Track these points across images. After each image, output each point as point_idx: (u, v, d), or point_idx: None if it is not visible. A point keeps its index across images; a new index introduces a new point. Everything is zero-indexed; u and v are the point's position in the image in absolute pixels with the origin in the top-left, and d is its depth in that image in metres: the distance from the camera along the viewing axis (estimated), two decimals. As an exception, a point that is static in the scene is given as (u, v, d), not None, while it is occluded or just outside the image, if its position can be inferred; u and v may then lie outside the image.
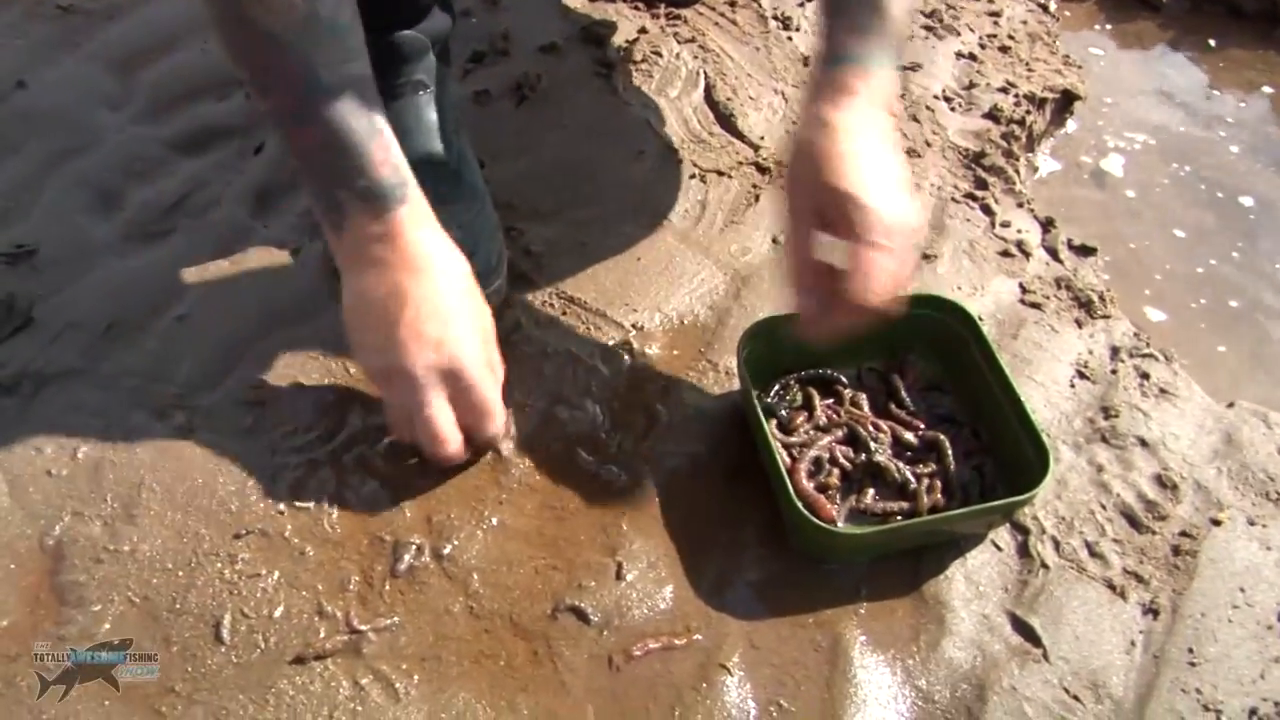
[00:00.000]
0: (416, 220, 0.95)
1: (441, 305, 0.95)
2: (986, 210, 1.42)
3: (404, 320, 0.93)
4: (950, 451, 1.10)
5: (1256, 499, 1.16)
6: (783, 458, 1.07)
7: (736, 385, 1.17)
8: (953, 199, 1.42)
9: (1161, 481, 1.16)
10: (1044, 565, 1.07)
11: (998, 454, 1.12)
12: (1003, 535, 1.09)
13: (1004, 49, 1.70)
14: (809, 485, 1.06)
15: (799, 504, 0.99)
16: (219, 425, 1.09)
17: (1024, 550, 1.08)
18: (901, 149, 1.48)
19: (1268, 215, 1.56)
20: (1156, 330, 1.36)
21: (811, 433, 1.12)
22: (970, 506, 1.05)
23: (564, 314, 1.22)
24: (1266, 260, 1.50)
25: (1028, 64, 1.68)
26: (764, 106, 1.52)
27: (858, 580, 1.04)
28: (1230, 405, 1.26)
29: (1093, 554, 1.09)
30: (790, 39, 1.65)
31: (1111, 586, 1.07)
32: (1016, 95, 1.61)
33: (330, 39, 0.88)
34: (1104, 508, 1.13)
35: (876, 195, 0.93)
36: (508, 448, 1.11)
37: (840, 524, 1.05)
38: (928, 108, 1.56)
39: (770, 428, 1.09)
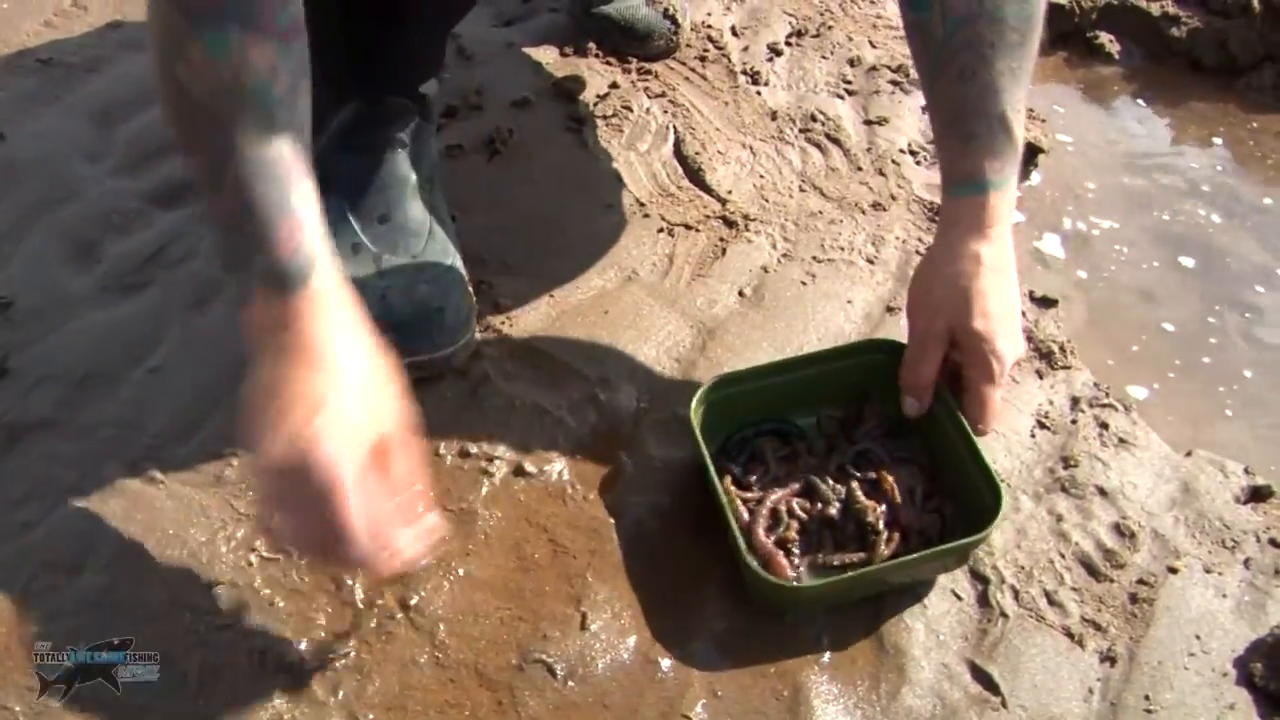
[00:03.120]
0: (317, 308, 0.85)
1: (313, 399, 0.82)
2: (950, 263, 1.44)
3: (270, 410, 0.82)
4: (896, 488, 1.11)
5: (1213, 547, 1.18)
6: (739, 514, 1.08)
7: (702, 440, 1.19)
8: (916, 251, 1.45)
9: (1120, 530, 1.17)
10: (1003, 614, 1.09)
11: (956, 498, 1.13)
12: (963, 584, 1.11)
13: (969, 103, 1.73)
14: (767, 541, 1.07)
15: (753, 562, 1.01)
16: (191, 476, 1.10)
17: (984, 599, 1.10)
18: (868, 202, 1.51)
19: (1227, 266, 1.58)
20: (1116, 379, 1.38)
21: (768, 487, 1.13)
22: (925, 550, 1.06)
23: (532, 367, 1.24)
24: (1226, 311, 1.53)
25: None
26: (732, 161, 1.55)
27: (819, 630, 1.05)
28: (1188, 454, 1.28)
29: (1051, 602, 1.10)
30: (759, 94, 1.68)
31: (1070, 635, 1.08)
32: (980, 149, 1.63)
33: (255, 111, 0.83)
34: (1063, 556, 1.14)
35: (1007, 343, 1.04)
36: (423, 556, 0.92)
37: (803, 577, 1.07)
38: (894, 161, 1.59)
39: (725, 484, 1.10)
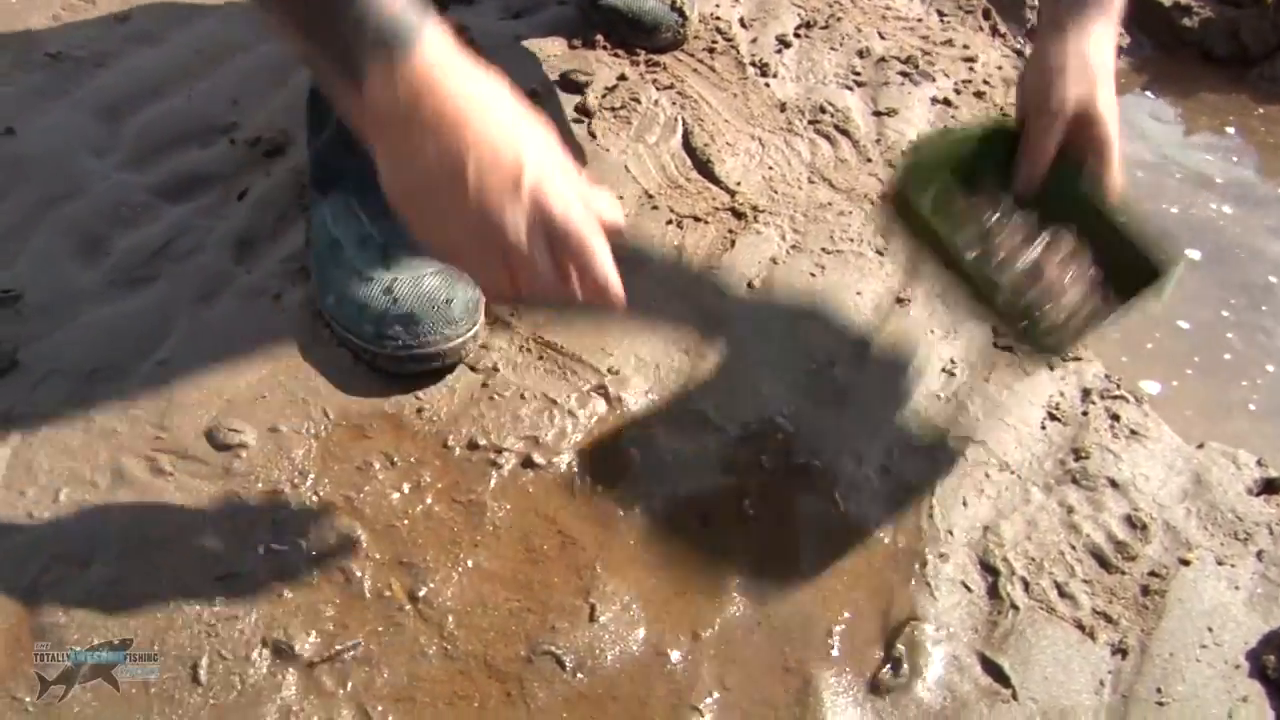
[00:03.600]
0: (441, 55, 0.78)
1: (503, 147, 0.77)
2: (960, 254, 1.44)
3: (467, 179, 0.76)
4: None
5: (1225, 539, 1.18)
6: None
7: (710, 432, 1.19)
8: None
9: (1131, 522, 1.17)
10: (1014, 606, 1.09)
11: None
12: (973, 576, 1.11)
13: (979, 94, 1.73)
14: None
15: None
16: (198, 469, 1.10)
17: (994, 591, 1.10)
18: (876, 194, 1.51)
19: (1245, 260, 1.58)
20: (1129, 373, 1.38)
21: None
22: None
23: (541, 358, 1.24)
24: (1241, 304, 1.52)
25: (1002, 109, 1.71)
26: (741, 153, 1.55)
27: (830, 622, 1.05)
28: (1200, 446, 1.27)
29: (1063, 594, 1.10)
30: (768, 85, 1.68)
31: (1081, 627, 1.08)
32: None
33: None
34: (1074, 548, 1.14)
35: (1114, 116, 1.11)
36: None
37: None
38: (903, 152, 1.58)
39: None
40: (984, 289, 1.07)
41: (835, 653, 1.04)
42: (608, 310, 0.86)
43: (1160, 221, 1.62)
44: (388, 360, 1.20)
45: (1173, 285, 1.07)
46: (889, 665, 1.03)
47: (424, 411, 1.18)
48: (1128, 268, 1.09)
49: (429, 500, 1.11)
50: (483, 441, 1.16)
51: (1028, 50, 1.89)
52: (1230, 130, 1.82)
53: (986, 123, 1.22)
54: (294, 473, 1.11)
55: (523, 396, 1.21)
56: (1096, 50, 1.10)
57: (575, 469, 1.16)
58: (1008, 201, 1.14)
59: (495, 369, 1.23)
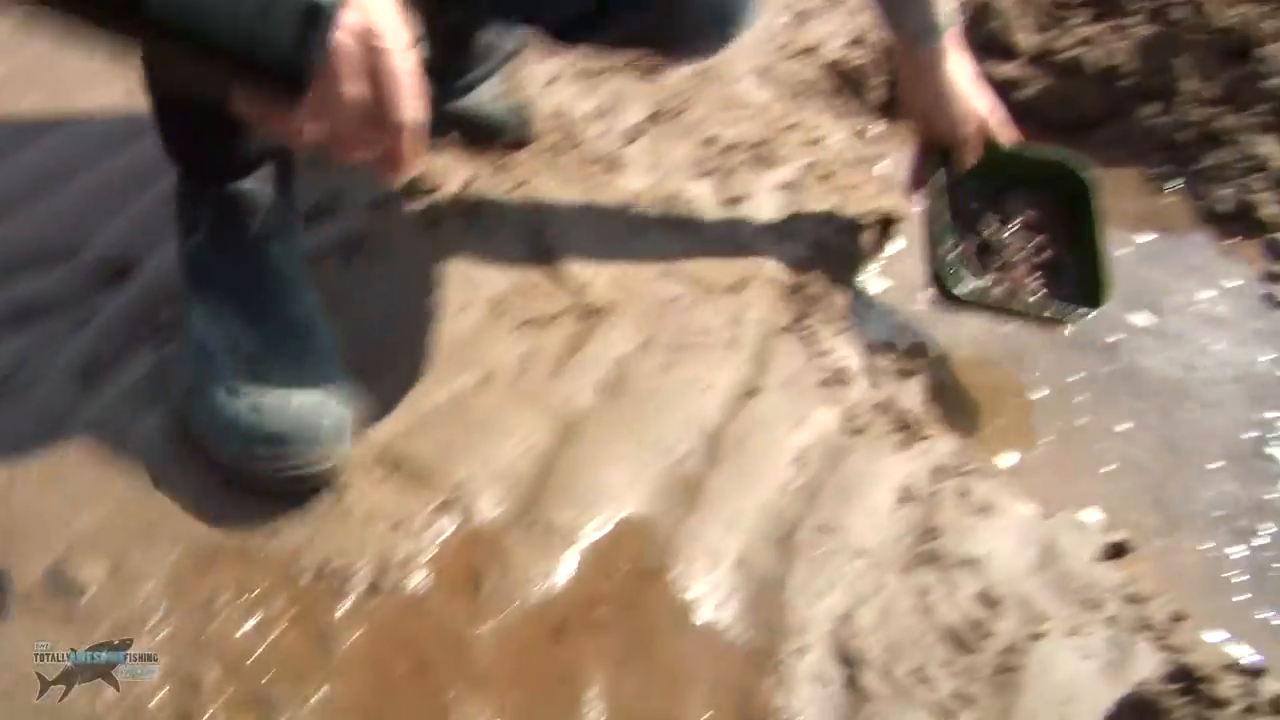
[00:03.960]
0: None
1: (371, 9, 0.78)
2: (807, 341, 1.47)
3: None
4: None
5: (1076, 608, 1.21)
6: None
7: (561, 541, 1.20)
8: (775, 331, 1.47)
9: (985, 599, 1.20)
10: (872, 696, 1.10)
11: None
12: (830, 669, 1.12)
13: (824, 176, 1.77)
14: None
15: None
16: (41, 612, 1.08)
17: (852, 682, 1.11)
18: (727, 283, 1.54)
19: (1091, 322, 1.63)
20: (982, 446, 1.42)
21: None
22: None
23: (389, 477, 1.24)
24: (1095, 366, 1.57)
25: (848, 190, 1.75)
26: (590, 249, 1.56)
27: (686, 728, 1.06)
28: (1050, 516, 1.31)
29: (921, 679, 1.12)
30: (616, 179, 1.70)
31: (940, 710, 1.10)
32: (837, 222, 1.68)
33: None
34: (931, 631, 1.16)
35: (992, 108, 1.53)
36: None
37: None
38: (751, 240, 1.62)
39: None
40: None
41: (695, 759, 1.04)
42: (397, 171, 0.85)
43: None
44: (251, 479, 1.18)
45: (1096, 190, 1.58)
46: (748, 768, 1.04)
47: (274, 538, 1.17)
48: (1055, 180, 1.62)
49: (279, 631, 1.09)
50: (330, 567, 1.15)
51: (870, 130, 1.95)
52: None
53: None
54: (141, 611, 1.09)
55: (371, 516, 1.20)
56: (963, 76, 1.49)
57: (428, 589, 1.15)
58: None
59: (344, 490, 1.22)
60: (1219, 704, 1.11)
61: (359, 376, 1.32)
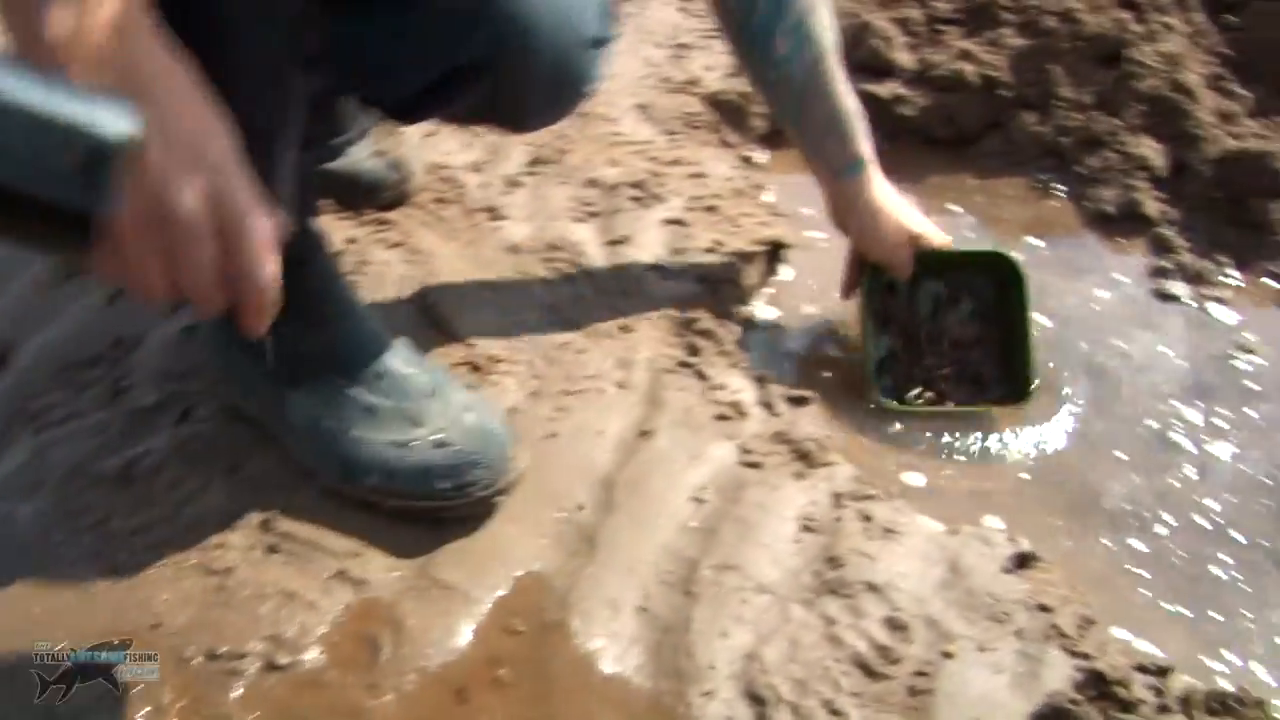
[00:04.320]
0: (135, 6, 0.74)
1: (191, 120, 0.75)
2: (700, 376, 1.47)
3: (149, 146, 0.70)
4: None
5: (984, 623, 1.21)
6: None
7: (458, 602, 1.18)
8: (666, 370, 1.47)
9: (892, 624, 1.20)
10: (783, 734, 1.09)
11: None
12: (740, 710, 1.11)
13: (710, 209, 1.78)
14: None
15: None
16: None
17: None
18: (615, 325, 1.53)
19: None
20: (886, 468, 1.42)
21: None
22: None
23: (276, 550, 1.22)
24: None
25: (734, 220, 1.76)
26: (475, 302, 1.56)
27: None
28: (954, 532, 1.31)
29: (832, 712, 1.11)
30: (499, 229, 1.70)
31: (853, 740, 1.09)
32: (724, 254, 1.68)
33: None
34: (838, 661, 1.16)
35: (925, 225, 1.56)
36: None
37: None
38: (637, 279, 1.62)
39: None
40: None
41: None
42: (258, 315, 0.79)
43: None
44: (470, 506, 1.24)
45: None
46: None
47: (159, 626, 1.14)
48: (988, 269, 1.61)
49: (170, 723, 1.07)
50: (222, 649, 1.13)
51: (755, 157, 1.96)
52: (957, 208, 1.91)
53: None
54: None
55: (261, 594, 1.18)
56: (890, 200, 1.54)
57: (324, 663, 1.13)
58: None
59: (230, 569, 1.20)
60: (1131, 706, 1.12)
61: (245, 448, 1.31)
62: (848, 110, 1.48)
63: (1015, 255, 1.58)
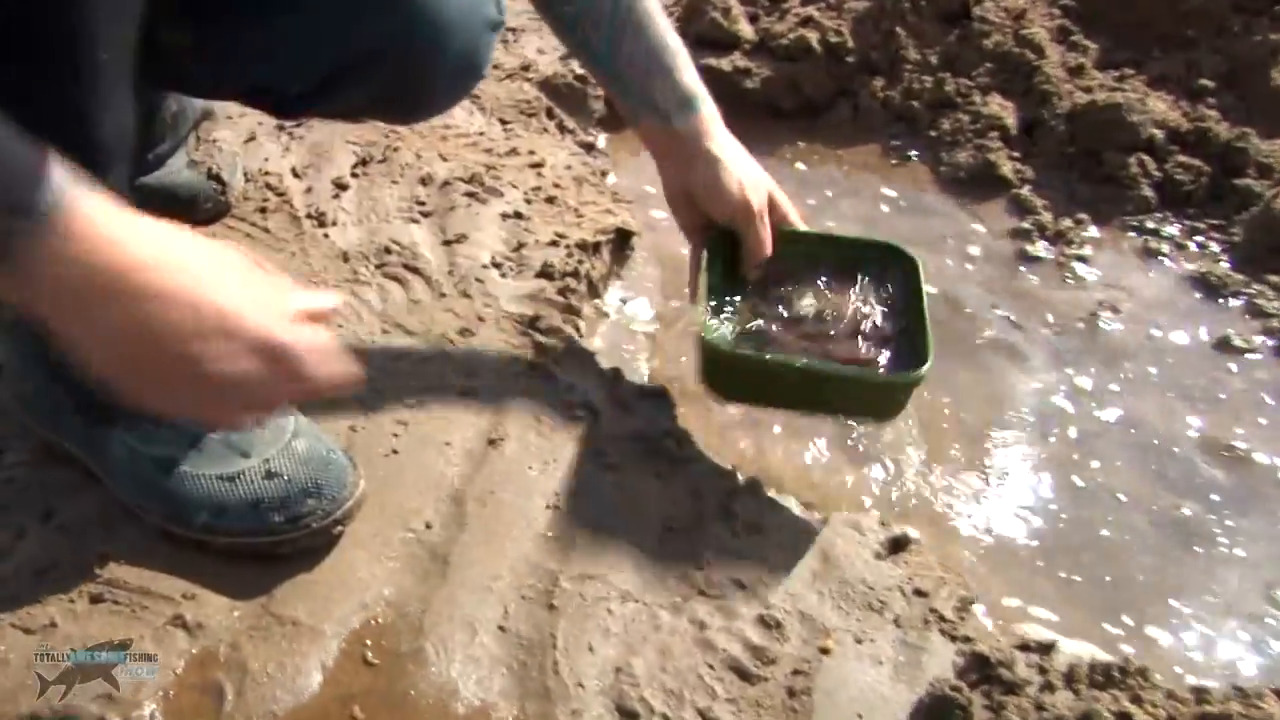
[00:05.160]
0: (102, 212, 0.76)
1: (191, 294, 0.79)
2: (548, 377, 1.45)
3: (165, 340, 0.78)
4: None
5: (861, 614, 1.21)
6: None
7: (306, 637, 1.14)
8: (512, 373, 1.45)
9: (765, 622, 1.19)
10: (656, 752, 1.08)
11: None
12: (610, 726, 1.09)
13: (550, 200, 1.76)
14: None
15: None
16: None
17: (631, 738, 1.09)
18: (455, 329, 1.50)
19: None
20: (750, 461, 1.42)
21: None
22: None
23: (102, 600, 1.16)
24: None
25: (577, 210, 1.74)
26: (305, 315, 1.51)
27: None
28: (824, 521, 1.31)
29: (708, 720, 1.10)
30: (327, 236, 1.66)
31: (732, 750, 1.08)
32: (568, 246, 1.66)
33: None
34: (712, 667, 1.15)
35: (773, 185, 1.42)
36: None
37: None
38: (477, 279, 1.59)
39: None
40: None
41: None
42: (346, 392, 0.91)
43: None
44: (309, 538, 1.19)
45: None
46: None
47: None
48: (875, 260, 1.44)
49: (-16, 808, 1.01)
50: (47, 714, 1.07)
51: (599, 142, 1.94)
52: (809, 180, 1.91)
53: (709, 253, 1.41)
54: None
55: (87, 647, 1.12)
56: (734, 149, 1.38)
57: (163, 716, 1.08)
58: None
59: (52, 624, 1.14)
60: (1016, 687, 1.12)
61: (62, 490, 1.25)
62: (671, 45, 1.33)
63: (903, 245, 1.43)
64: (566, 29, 1.35)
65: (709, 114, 1.36)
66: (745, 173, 1.36)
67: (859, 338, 1.38)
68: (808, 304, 1.42)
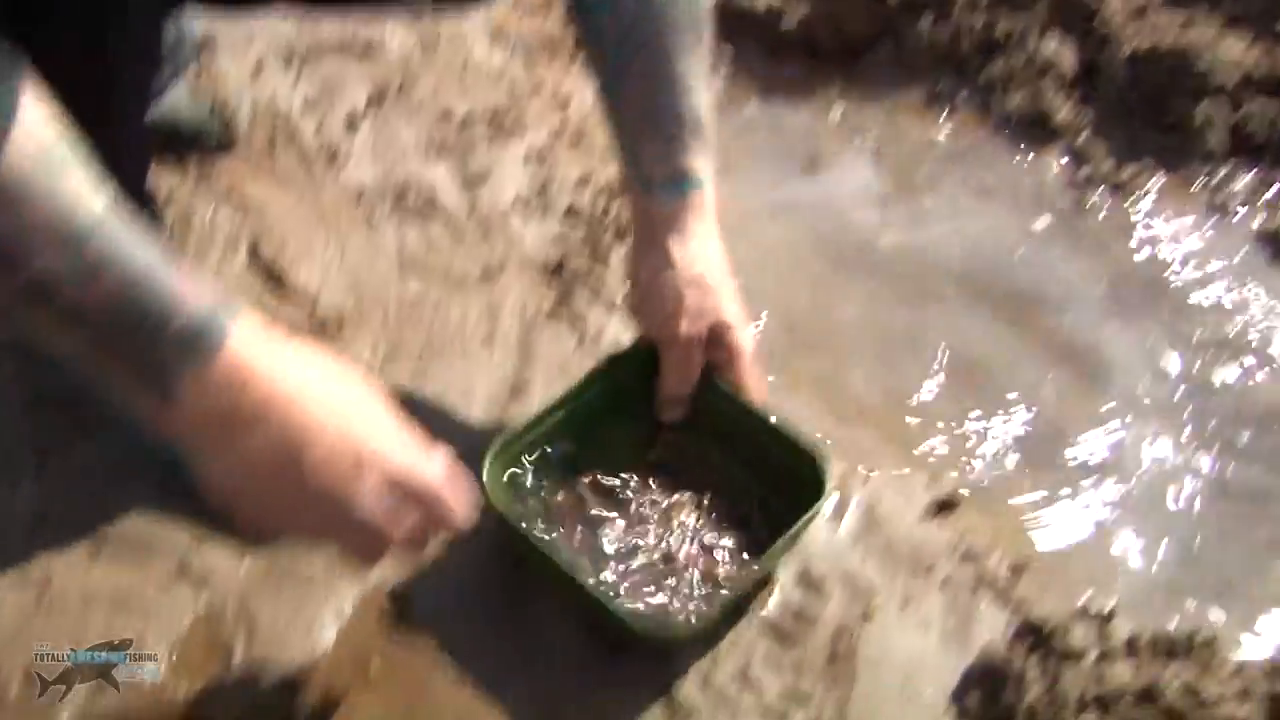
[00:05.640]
0: (252, 342, 0.78)
1: (333, 425, 0.80)
2: (575, 323, 1.41)
3: (303, 468, 0.79)
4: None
5: (907, 576, 1.18)
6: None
7: (318, 593, 1.12)
8: (537, 319, 1.41)
9: (805, 582, 1.16)
10: (691, 710, 1.05)
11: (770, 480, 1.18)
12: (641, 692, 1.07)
13: (575, 140, 1.72)
14: None
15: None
16: None
17: (667, 694, 1.07)
18: (477, 273, 1.47)
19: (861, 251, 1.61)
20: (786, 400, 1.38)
21: None
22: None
23: (104, 547, 1.14)
24: (886, 294, 1.55)
25: (602, 151, 1.70)
26: (317, 257, 1.48)
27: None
28: (867, 479, 1.27)
29: (744, 684, 1.08)
30: (340, 174, 1.62)
31: (769, 713, 1.06)
32: (595, 187, 1.62)
33: (72, 168, 0.72)
34: (750, 628, 1.12)
35: (743, 321, 1.16)
36: None
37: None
38: (500, 221, 1.55)
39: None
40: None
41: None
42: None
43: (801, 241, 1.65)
44: None
45: (832, 483, 1.11)
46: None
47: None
48: (787, 468, 1.15)
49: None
50: (46, 665, 1.04)
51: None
52: (847, 126, 1.87)
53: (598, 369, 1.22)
54: None
55: (90, 598, 1.11)
56: (704, 258, 1.14)
57: (163, 673, 1.06)
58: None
59: (48, 578, 1.12)
60: (1072, 656, 1.10)
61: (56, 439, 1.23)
62: (683, 106, 1.10)
63: (826, 464, 1.12)
64: (581, 46, 1.29)
65: (696, 206, 1.14)
66: (694, 291, 1.13)
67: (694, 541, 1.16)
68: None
